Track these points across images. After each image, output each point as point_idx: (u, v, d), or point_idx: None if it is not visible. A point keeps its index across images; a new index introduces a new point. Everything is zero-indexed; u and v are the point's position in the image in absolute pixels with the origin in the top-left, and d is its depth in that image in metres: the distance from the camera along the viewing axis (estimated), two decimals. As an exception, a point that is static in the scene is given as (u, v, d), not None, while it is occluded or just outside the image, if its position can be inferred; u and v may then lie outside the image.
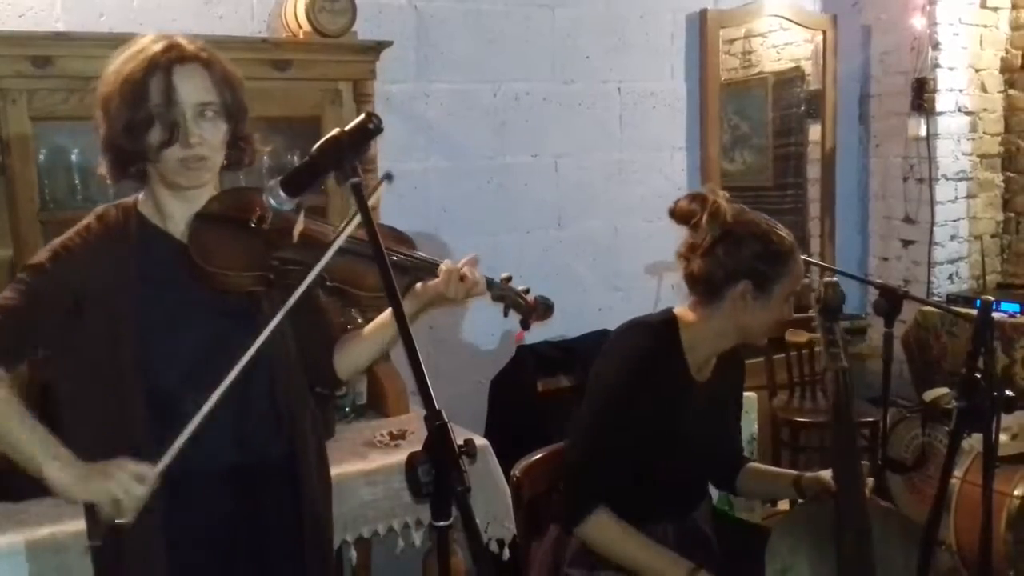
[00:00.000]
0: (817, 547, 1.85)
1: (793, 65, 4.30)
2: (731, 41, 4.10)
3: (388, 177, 1.43)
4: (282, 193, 1.41)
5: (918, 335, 3.82)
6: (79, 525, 1.99)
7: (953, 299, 4.05)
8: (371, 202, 1.31)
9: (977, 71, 4.21)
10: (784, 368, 3.78)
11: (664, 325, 1.95)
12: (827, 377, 1.94)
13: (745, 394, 3.47)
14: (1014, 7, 4.25)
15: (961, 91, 4.15)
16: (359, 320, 1.90)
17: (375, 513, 2.40)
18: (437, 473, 1.12)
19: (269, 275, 1.54)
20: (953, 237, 4.23)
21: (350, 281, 1.57)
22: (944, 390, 3.30)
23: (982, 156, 4.28)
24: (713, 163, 3.85)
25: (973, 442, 2.79)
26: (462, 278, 1.62)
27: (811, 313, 2.01)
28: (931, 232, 4.15)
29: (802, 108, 4.33)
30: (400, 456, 2.39)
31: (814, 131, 4.31)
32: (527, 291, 1.70)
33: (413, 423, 2.67)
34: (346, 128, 1.33)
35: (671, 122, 3.78)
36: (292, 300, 1.44)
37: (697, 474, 2.08)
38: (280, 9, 2.77)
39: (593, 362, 2.01)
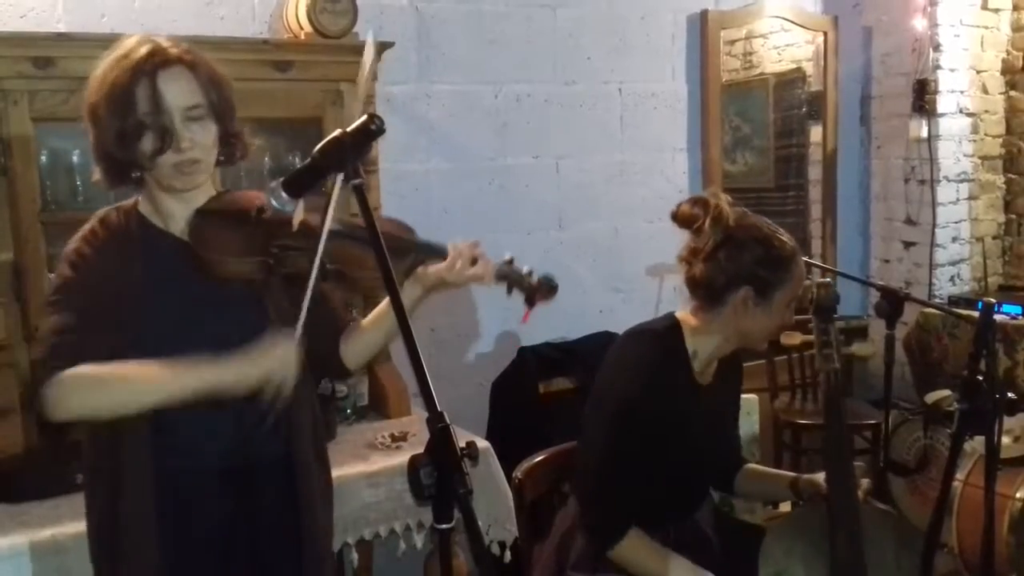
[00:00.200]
0: (811, 550, 1.85)
1: (794, 66, 4.30)
2: (732, 42, 4.10)
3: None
4: (284, 194, 1.41)
5: (920, 337, 3.82)
6: (80, 526, 2.00)
7: (955, 301, 4.04)
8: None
9: (978, 73, 4.21)
10: (785, 370, 3.78)
11: (668, 332, 1.95)
12: (820, 378, 1.95)
13: (746, 396, 3.48)
14: (1015, 8, 4.25)
15: (962, 93, 4.15)
16: (355, 314, 1.89)
17: (376, 515, 2.40)
18: (439, 475, 1.12)
19: (269, 260, 1.54)
20: (955, 239, 4.23)
21: (349, 263, 1.56)
22: (946, 392, 3.30)
23: (983, 158, 4.28)
24: (714, 164, 3.85)
25: (975, 444, 2.79)
26: (473, 261, 1.63)
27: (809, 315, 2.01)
28: (932, 234, 4.14)
29: (803, 109, 4.33)
30: (401, 458, 2.40)
31: (815, 132, 4.31)
32: (530, 272, 1.70)
33: (415, 425, 2.67)
34: (348, 129, 1.33)
35: (672, 123, 3.78)
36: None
37: (699, 476, 2.08)
38: (281, 10, 2.77)
39: (597, 366, 2.00)
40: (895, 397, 2.99)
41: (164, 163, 1.53)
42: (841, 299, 2.03)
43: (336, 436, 2.59)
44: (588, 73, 3.53)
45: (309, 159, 1.36)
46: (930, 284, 4.16)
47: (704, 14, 3.76)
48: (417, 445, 2.43)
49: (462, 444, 1.13)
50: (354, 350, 1.79)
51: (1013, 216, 4.38)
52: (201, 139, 1.54)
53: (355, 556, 2.54)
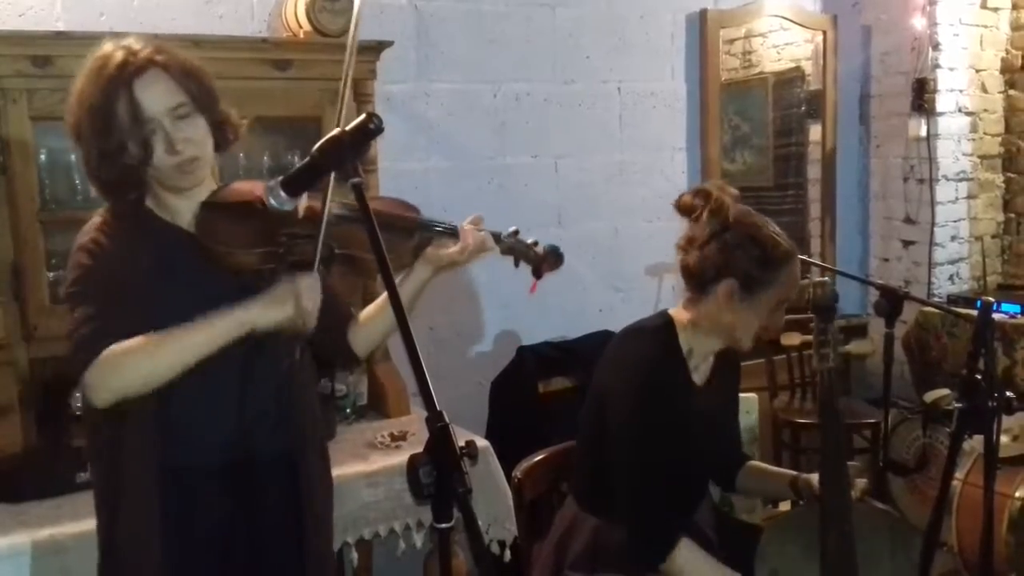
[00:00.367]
0: (807, 550, 1.85)
1: (793, 65, 4.30)
2: (731, 41, 4.09)
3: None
4: (283, 193, 1.41)
5: (919, 336, 3.82)
6: (79, 527, 2.00)
7: (954, 300, 4.04)
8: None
9: (977, 71, 4.21)
10: (785, 369, 3.78)
11: (662, 329, 1.95)
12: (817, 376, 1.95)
13: (746, 395, 3.49)
14: (1014, 7, 4.25)
15: (961, 91, 4.15)
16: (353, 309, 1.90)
17: (376, 514, 2.40)
18: (438, 475, 1.12)
19: (278, 249, 1.55)
20: (954, 238, 4.23)
21: (360, 244, 1.56)
22: (945, 391, 3.30)
23: (982, 157, 4.28)
24: (713, 163, 3.85)
25: (974, 443, 2.79)
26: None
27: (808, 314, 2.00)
28: (932, 233, 4.15)
29: (802, 108, 4.33)
30: (401, 457, 2.40)
31: (814, 131, 4.31)
32: (535, 243, 1.72)
33: (414, 424, 2.67)
34: (347, 128, 1.33)
35: (671, 122, 3.78)
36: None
37: (698, 475, 2.08)
38: (280, 9, 2.77)
39: (594, 366, 2.00)
40: (894, 396, 3.00)
41: (166, 166, 1.54)
42: (840, 298, 2.03)
43: (335, 435, 2.59)
44: (587, 72, 3.53)
45: (308, 158, 1.36)
46: (929, 283, 4.16)
47: (703, 13, 3.76)
48: (417, 444, 2.43)
49: (461, 443, 1.13)
50: (362, 335, 1.81)
51: (1012, 215, 4.38)
52: (193, 135, 1.55)
53: (355, 555, 2.54)
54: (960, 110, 4.16)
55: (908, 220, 4.25)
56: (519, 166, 3.42)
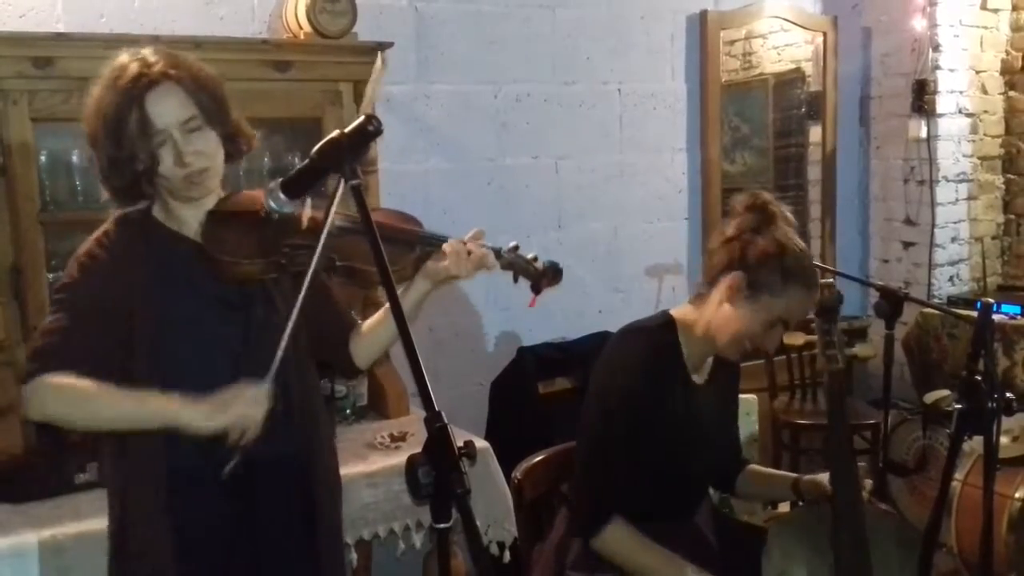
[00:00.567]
0: (814, 550, 1.85)
1: (793, 66, 4.31)
2: (732, 42, 4.10)
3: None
4: (282, 195, 1.41)
5: (919, 337, 3.82)
6: (79, 527, 2.01)
7: (954, 301, 4.05)
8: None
9: (977, 73, 4.21)
10: (785, 370, 3.78)
11: (662, 329, 1.95)
12: (823, 378, 1.94)
13: (746, 396, 3.49)
14: (1014, 9, 4.25)
15: (961, 93, 4.15)
16: (360, 318, 1.90)
17: (375, 515, 2.40)
18: (437, 475, 1.12)
19: (280, 260, 1.56)
20: (954, 239, 4.23)
21: (359, 258, 1.57)
22: (945, 392, 3.30)
23: (983, 158, 4.28)
24: (714, 164, 3.85)
25: (974, 444, 2.78)
26: (469, 254, 1.64)
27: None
28: (932, 234, 4.15)
29: (802, 109, 4.33)
30: (400, 458, 2.38)
31: (815, 132, 4.31)
32: (535, 258, 1.71)
33: (413, 425, 2.67)
34: (346, 130, 1.34)
35: (671, 123, 3.78)
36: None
37: (697, 476, 2.08)
38: (281, 10, 2.77)
39: (593, 365, 2.01)
40: (894, 397, 3.00)
41: (174, 177, 1.56)
42: (840, 299, 2.03)
43: (335, 436, 2.59)
44: (587, 73, 3.53)
45: (307, 160, 1.37)
46: (929, 284, 4.16)
47: (703, 14, 3.76)
48: (416, 445, 2.41)
49: (460, 444, 1.13)
50: (363, 347, 1.81)
51: (1012, 216, 4.38)
52: (204, 147, 1.57)
53: (354, 556, 2.54)
54: (960, 111, 4.16)
55: (908, 221, 4.25)
56: (519, 167, 3.42)
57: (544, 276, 1.70)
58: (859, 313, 4.32)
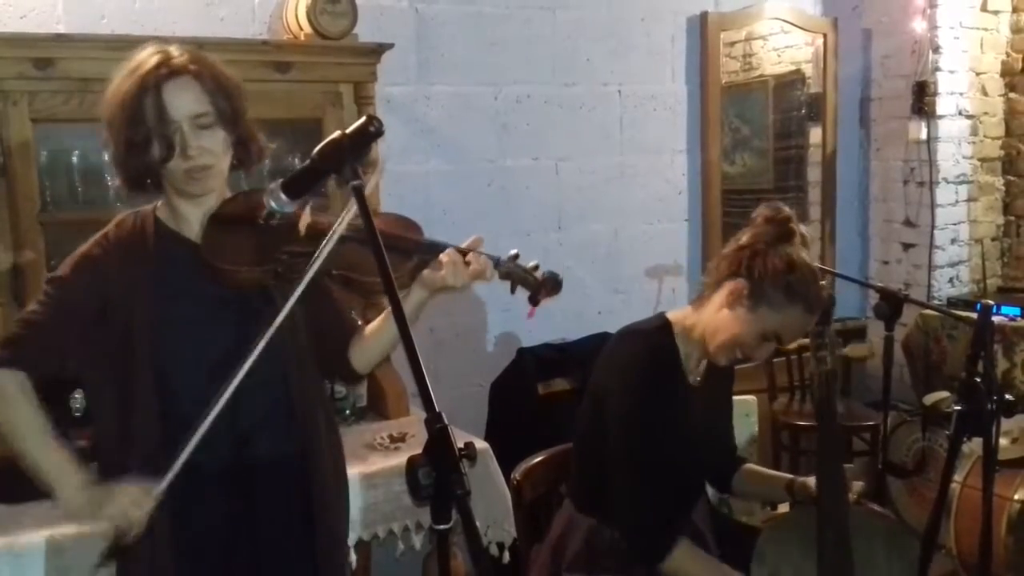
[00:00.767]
0: (805, 552, 1.85)
1: (794, 68, 4.30)
2: (732, 44, 4.09)
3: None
4: (283, 196, 1.42)
5: (918, 339, 3.82)
6: (79, 527, 2.00)
7: (953, 303, 4.04)
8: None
9: (978, 74, 4.21)
10: (784, 371, 3.78)
11: (658, 331, 1.96)
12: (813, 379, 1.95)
13: (745, 397, 3.49)
14: (1015, 10, 4.25)
15: (962, 94, 4.15)
16: (360, 319, 1.90)
17: (375, 516, 2.40)
18: (437, 476, 1.12)
19: (277, 268, 1.56)
20: (954, 240, 4.23)
21: (355, 268, 1.57)
22: (944, 394, 3.31)
23: (983, 159, 4.28)
24: (714, 166, 3.86)
25: (973, 446, 2.79)
26: (467, 264, 1.62)
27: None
28: (932, 235, 4.15)
29: (803, 111, 4.33)
30: (400, 459, 2.40)
31: (815, 134, 4.31)
32: (536, 267, 1.68)
33: (413, 426, 2.67)
34: (347, 131, 1.34)
35: (672, 125, 3.78)
36: (296, 294, 1.45)
37: (693, 475, 2.09)
38: (281, 11, 2.77)
39: (592, 367, 2.01)
40: (894, 399, 3.00)
41: (175, 169, 1.57)
42: (840, 301, 2.03)
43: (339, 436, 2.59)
44: (588, 75, 3.53)
45: (308, 161, 1.37)
46: (929, 286, 4.16)
47: (704, 16, 3.77)
48: (416, 446, 2.43)
49: (460, 445, 1.13)
50: (362, 353, 1.80)
51: (1012, 218, 4.38)
52: (210, 145, 1.58)
53: (353, 557, 2.53)
54: (960, 113, 4.16)
55: (908, 223, 4.25)
56: (519, 168, 3.43)
57: (543, 287, 1.68)
58: (858, 314, 4.32)
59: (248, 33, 2.82)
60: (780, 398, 3.77)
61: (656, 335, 1.95)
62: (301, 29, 2.66)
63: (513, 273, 1.67)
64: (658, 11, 3.67)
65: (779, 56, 4.30)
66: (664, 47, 3.72)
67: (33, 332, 1.59)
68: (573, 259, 3.56)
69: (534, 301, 1.68)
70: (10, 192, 2.26)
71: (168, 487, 1.56)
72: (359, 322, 1.87)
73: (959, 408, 1.77)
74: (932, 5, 4.04)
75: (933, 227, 4.14)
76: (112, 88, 1.57)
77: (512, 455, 2.23)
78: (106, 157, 1.67)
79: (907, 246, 4.27)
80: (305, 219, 1.54)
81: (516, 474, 2.08)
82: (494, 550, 2.56)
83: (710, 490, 2.25)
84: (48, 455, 1.57)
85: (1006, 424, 2.00)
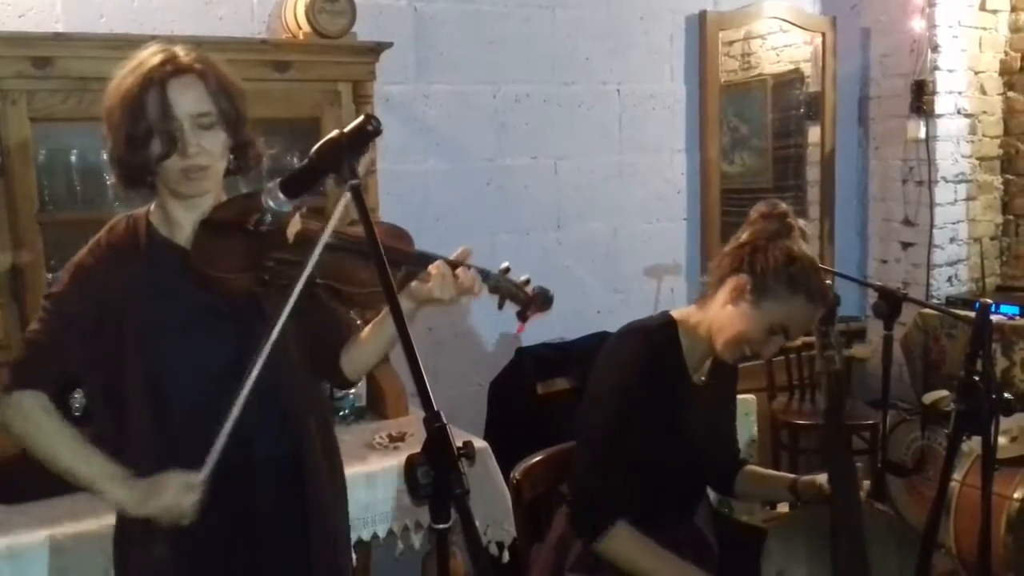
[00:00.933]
0: (813, 551, 1.85)
1: (792, 67, 4.30)
2: (730, 43, 4.10)
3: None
4: (281, 195, 1.41)
5: (917, 338, 3.82)
6: (78, 527, 2.01)
7: (952, 301, 4.05)
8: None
9: (976, 73, 4.21)
10: (784, 370, 3.78)
11: (662, 329, 1.96)
12: (821, 379, 1.95)
13: (745, 397, 3.49)
14: (1013, 10, 4.25)
15: (960, 93, 4.16)
16: (358, 322, 1.89)
17: (374, 516, 2.40)
18: (436, 475, 1.12)
19: (264, 275, 1.55)
20: (952, 239, 4.23)
21: (340, 278, 1.56)
22: (943, 393, 3.30)
23: (981, 158, 4.29)
24: (712, 165, 3.86)
25: (972, 445, 2.79)
26: (456, 278, 1.60)
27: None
28: (930, 234, 4.15)
29: (801, 110, 4.33)
30: (399, 458, 2.40)
31: (813, 133, 4.31)
32: (527, 282, 1.66)
33: (412, 425, 2.67)
34: (345, 130, 1.33)
35: (670, 124, 3.78)
36: (290, 303, 1.44)
37: (696, 476, 2.08)
38: (280, 10, 2.77)
39: (592, 364, 2.01)
40: (893, 398, 3.00)
41: (172, 167, 1.56)
42: (839, 300, 2.03)
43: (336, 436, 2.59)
44: (586, 74, 3.53)
45: (306, 160, 1.36)
46: (928, 285, 4.16)
47: (703, 15, 3.77)
48: (415, 445, 2.42)
49: (459, 444, 1.13)
50: (354, 361, 1.78)
51: (1011, 217, 4.39)
52: (209, 146, 1.57)
53: (353, 557, 2.54)
54: (959, 112, 4.16)
55: (907, 222, 4.25)
56: (518, 167, 3.43)
57: (533, 302, 1.65)
58: (857, 314, 4.32)
59: (247, 32, 2.81)
60: (780, 397, 3.77)
61: (659, 333, 1.95)
62: (300, 28, 2.66)
63: (502, 287, 1.65)
64: (657, 10, 3.67)
65: (778, 55, 4.30)
66: (663, 46, 3.72)
67: (40, 351, 1.59)
68: (572, 258, 3.56)
69: (523, 317, 1.65)
70: (8, 192, 2.26)
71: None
72: (358, 322, 1.86)
73: (958, 407, 1.77)
74: (931, 4, 4.04)
75: (932, 226, 4.14)
76: (114, 83, 1.56)
77: (511, 454, 2.23)
78: (104, 155, 1.66)
79: (906, 245, 4.28)
80: (294, 226, 1.54)
81: (516, 473, 2.08)
82: (493, 549, 2.56)
83: (710, 491, 2.24)
84: (88, 464, 1.58)
85: (1005, 423, 2.00)
